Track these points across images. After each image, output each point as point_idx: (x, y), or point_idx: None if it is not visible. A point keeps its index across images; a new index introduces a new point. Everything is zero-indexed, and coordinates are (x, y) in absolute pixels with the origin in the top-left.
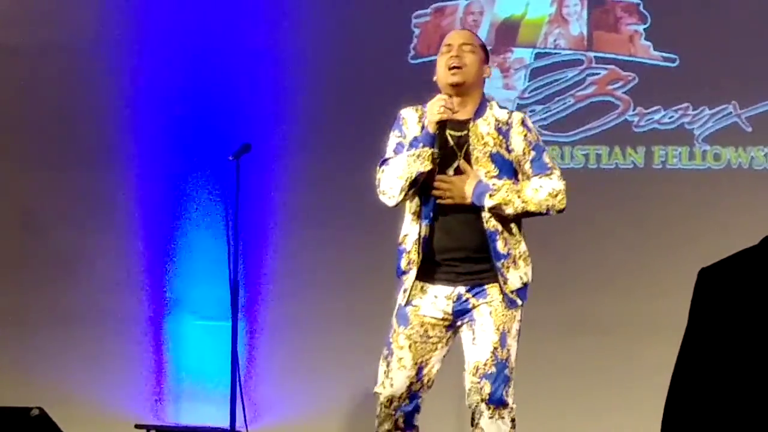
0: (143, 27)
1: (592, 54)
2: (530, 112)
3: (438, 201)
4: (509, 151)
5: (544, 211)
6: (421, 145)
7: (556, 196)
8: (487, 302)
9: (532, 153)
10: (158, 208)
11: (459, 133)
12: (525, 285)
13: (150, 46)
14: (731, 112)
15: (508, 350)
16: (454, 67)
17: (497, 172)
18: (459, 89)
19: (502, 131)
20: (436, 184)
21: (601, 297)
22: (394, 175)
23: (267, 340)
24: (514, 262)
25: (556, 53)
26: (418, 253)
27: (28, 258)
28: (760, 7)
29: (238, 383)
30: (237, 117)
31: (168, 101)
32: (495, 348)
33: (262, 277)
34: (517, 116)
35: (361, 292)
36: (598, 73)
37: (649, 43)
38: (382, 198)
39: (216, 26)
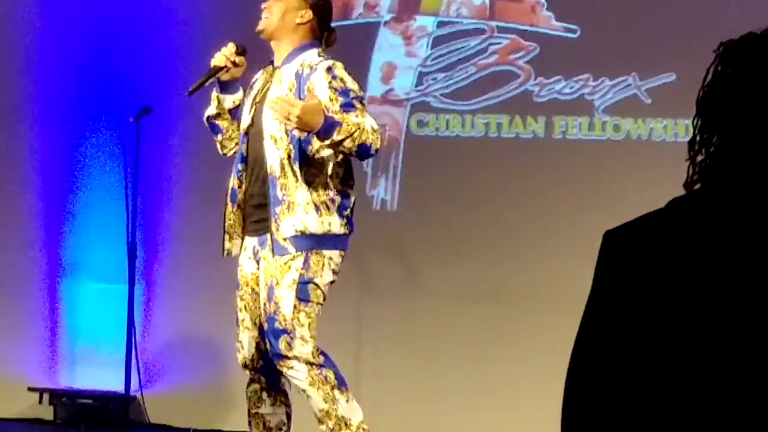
0: None
1: (494, 23)
2: (432, 80)
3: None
4: (302, 99)
5: (369, 146)
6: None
7: (375, 132)
8: (263, 255)
9: (341, 98)
10: (56, 170)
11: (271, 79)
12: (302, 233)
13: (51, 7)
14: (631, 84)
15: (276, 303)
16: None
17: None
18: (262, 36)
19: (300, 76)
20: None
21: (503, 267)
22: None
23: (164, 304)
24: (289, 208)
25: (458, 22)
26: (226, 205)
27: None
28: None
29: (133, 347)
30: (138, 80)
31: (68, 63)
32: (264, 304)
33: (161, 241)
34: (324, 64)
35: None
36: (500, 43)
37: (550, 13)
38: None
39: None
